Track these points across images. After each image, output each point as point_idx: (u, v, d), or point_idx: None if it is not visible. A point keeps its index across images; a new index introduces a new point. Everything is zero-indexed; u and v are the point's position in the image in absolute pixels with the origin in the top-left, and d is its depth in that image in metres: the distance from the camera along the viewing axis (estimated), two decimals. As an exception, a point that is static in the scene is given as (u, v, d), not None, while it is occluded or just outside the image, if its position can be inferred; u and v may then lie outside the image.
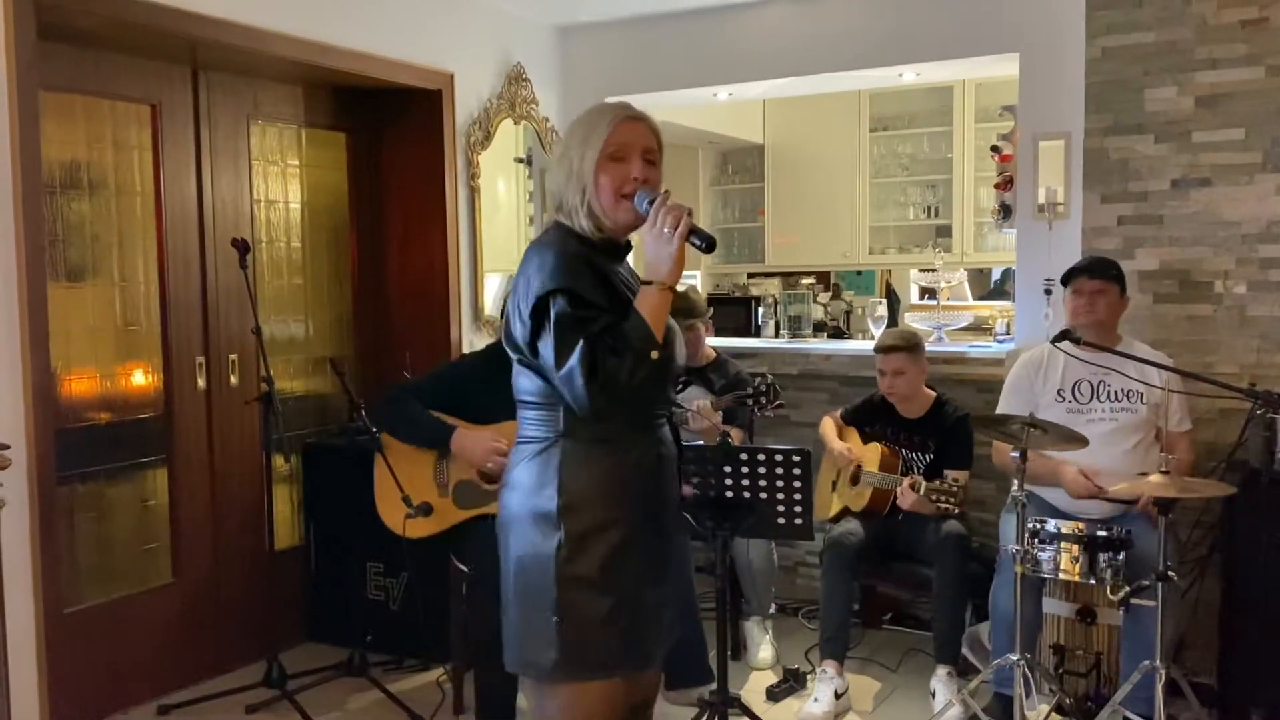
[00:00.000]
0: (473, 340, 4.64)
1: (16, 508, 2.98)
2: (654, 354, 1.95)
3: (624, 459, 2.06)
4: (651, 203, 2.03)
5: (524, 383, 2.09)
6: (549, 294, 1.96)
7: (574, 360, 1.91)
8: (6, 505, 2.71)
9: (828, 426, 4.08)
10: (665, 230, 1.98)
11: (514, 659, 2.11)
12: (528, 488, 2.05)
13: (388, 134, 4.60)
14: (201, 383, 3.94)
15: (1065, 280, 3.52)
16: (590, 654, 2.03)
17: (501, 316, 3.28)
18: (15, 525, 2.99)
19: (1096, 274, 3.43)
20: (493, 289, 4.85)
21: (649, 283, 2.01)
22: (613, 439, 2.05)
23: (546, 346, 1.95)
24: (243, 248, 3.58)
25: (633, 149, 2.07)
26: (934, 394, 3.93)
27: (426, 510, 3.40)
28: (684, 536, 2.25)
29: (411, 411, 3.47)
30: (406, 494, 3.38)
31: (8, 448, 2.76)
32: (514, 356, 2.10)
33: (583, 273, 1.99)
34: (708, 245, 2.01)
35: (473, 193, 4.64)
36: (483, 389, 3.55)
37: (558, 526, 2.01)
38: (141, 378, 3.80)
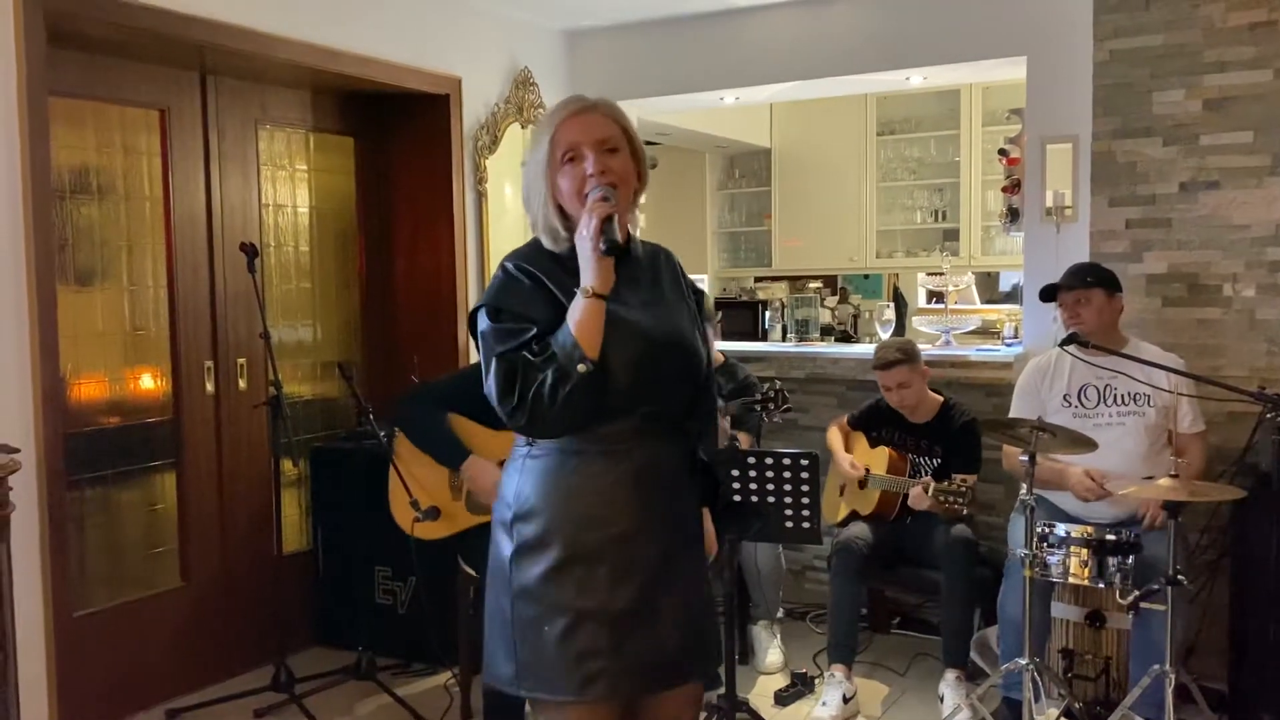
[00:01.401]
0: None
1: (26, 512, 2.99)
2: (580, 367, 1.79)
3: (593, 470, 1.91)
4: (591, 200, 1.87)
5: None
6: (475, 311, 1.93)
7: (490, 378, 1.85)
8: (16, 509, 2.71)
9: (834, 436, 4.08)
10: (583, 232, 1.83)
11: (485, 669, 2.03)
12: (501, 495, 2.00)
13: (395, 139, 4.61)
14: (210, 387, 3.95)
15: (1045, 297, 3.51)
16: (543, 670, 1.90)
17: None
18: (25, 529, 2.99)
19: (1072, 285, 3.41)
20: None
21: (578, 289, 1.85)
22: (585, 451, 1.91)
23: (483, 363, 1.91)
24: (251, 252, 3.59)
25: (584, 145, 1.90)
26: (941, 398, 3.93)
27: (434, 514, 3.40)
28: (693, 550, 2.05)
29: (433, 422, 3.39)
30: (415, 498, 3.38)
31: (17, 451, 2.77)
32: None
33: (519, 287, 1.89)
34: (607, 248, 1.80)
35: (480, 197, 4.65)
36: None
37: (511, 535, 1.94)
38: (150, 382, 3.81)
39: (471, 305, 4.60)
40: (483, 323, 1.90)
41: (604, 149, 1.92)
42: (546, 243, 1.96)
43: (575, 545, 1.90)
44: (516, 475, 1.97)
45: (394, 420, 3.50)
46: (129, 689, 3.65)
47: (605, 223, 1.81)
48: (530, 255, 1.95)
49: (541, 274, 1.91)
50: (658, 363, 1.94)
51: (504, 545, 1.95)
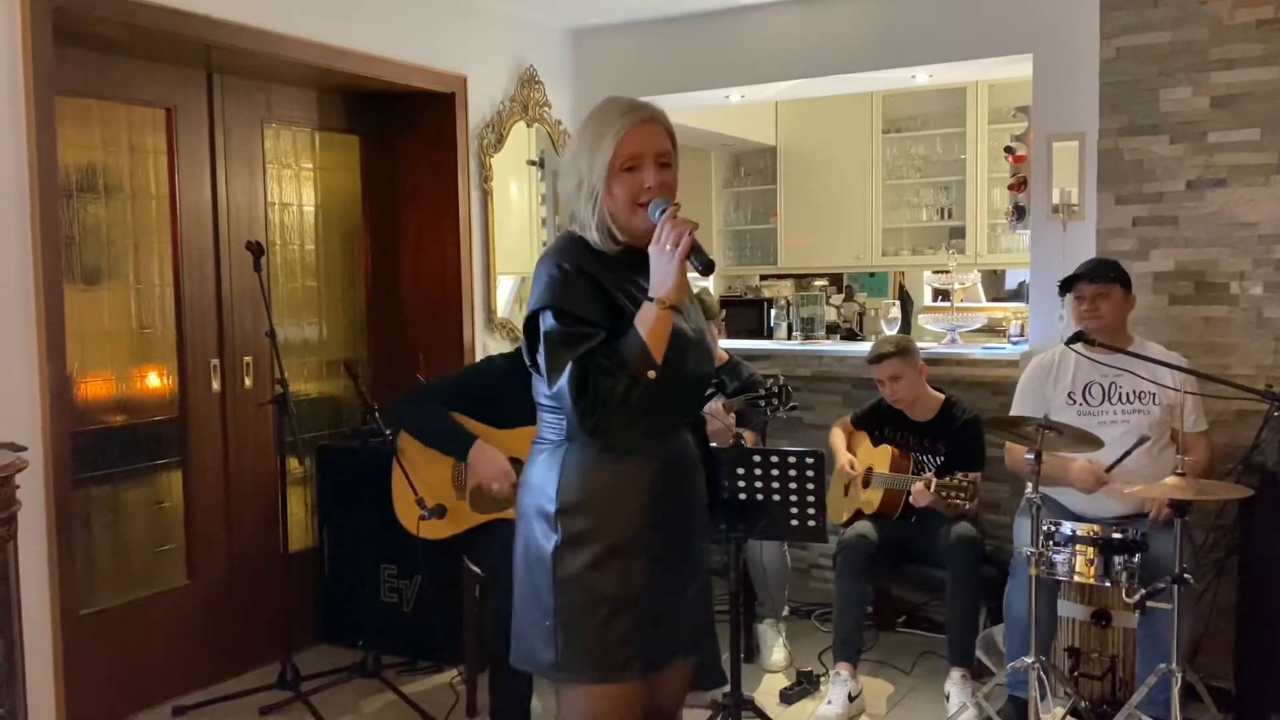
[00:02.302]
0: (485, 342, 4.65)
1: (33, 510, 3.00)
2: (650, 374, 1.90)
3: (631, 466, 2.03)
4: (663, 213, 1.96)
5: (539, 386, 2.09)
6: (538, 311, 1.96)
7: (563, 380, 1.91)
8: (23, 507, 2.72)
9: (836, 436, 4.08)
10: (668, 247, 1.92)
11: (516, 654, 2.13)
12: (535, 487, 2.07)
13: (401, 137, 4.62)
14: (216, 385, 3.96)
15: (1064, 289, 3.50)
16: (585, 656, 2.02)
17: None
18: (32, 527, 3.00)
19: (1096, 278, 3.40)
20: (505, 291, 4.86)
21: (650, 300, 1.94)
22: (621, 446, 2.02)
23: (541, 363, 1.96)
24: (257, 251, 3.60)
25: (645, 156, 1.99)
26: (943, 396, 3.92)
27: (440, 512, 3.40)
28: (705, 535, 2.20)
29: (434, 414, 3.45)
30: (420, 496, 3.39)
31: (24, 450, 2.78)
32: (528, 362, 2.11)
33: (579, 288, 1.95)
34: (705, 268, 1.93)
35: (485, 195, 4.65)
36: (510, 393, 3.56)
37: (555, 528, 2.01)
38: (156, 380, 3.82)
39: (480, 301, 4.64)
40: (547, 322, 1.95)
41: (660, 162, 2.00)
42: (598, 241, 2.02)
43: (618, 537, 2.01)
44: (556, 469, 2.04)
45: (393, 418, 3.51)
46: (136, 686, 3.66)
47: (696, 241, 1.92)
48: (580, 255, 2.01)
49: (597, 275, 1.98)
50: (696, 363, 2.09)
51: (546, 537, 2.03)
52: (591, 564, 2.00)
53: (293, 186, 4.28)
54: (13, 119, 3.03)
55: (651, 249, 1.95)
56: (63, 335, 3.18)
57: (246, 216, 4.06)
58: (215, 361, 3.95)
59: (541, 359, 1.96)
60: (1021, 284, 6.80)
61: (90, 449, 3.56)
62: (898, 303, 5.59)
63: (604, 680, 2.02)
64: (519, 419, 3.48)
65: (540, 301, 1.96)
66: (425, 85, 4.35)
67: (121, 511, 3.72)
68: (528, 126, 4.89)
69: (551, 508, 2.01)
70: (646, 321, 1.93)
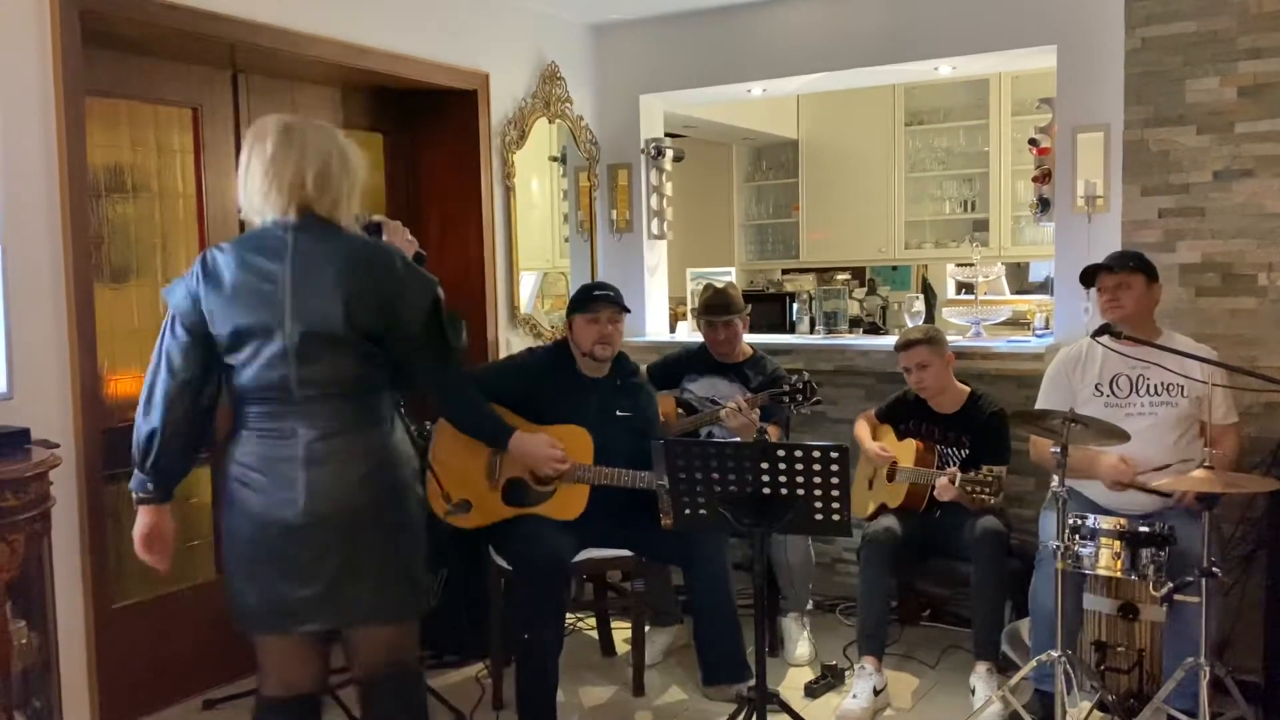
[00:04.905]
0: (509, 338, 4.67)
1: (66, 506, 3.05)
2: None
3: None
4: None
5: None
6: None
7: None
8: (56, 503, 2.76)
9: (861, 428, 4.07)
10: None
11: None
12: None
13: (424, 134, 4.64)
14: (243, 382, 3.99)
15: (1086, 281, 3.48)
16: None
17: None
18: (65, 523, 3.05)
19: (1116, 268, 3.38)
20: (528, 287, 4.87)
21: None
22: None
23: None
24: (282, 248, 3.62)
25: None
26: (968, 389, 3.91)
27: (465, 508, 3.42)
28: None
29: (478, 403, 3.47)
30: (446, 491, 3.41)
31: (57, 446, 2.83)
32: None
33: None
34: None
35: (508, 192, 4.67)
36: (550, 386, 3.58)
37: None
38: (185, 377, 3.85)
39: (504, 297, 4.66)
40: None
41: None
42: None
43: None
44: None
45: (441, 405, 3.51)
46: (167, 679, 3.70)
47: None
48: None
49: None
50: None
51: None
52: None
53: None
54: (44, 121, 3.07)
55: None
56: (94, 333, 3.22)
57: (272, 214, 4.08)
58: (242, 358, 3.98)
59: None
60: (1048, 279, 6.76)
61: (120, 445, 3.58)
62: (921, 296, 5.56)
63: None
64: (559, 414, 3.50)
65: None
66: (448, 83, 4.38)
67: (151, 507, 3.76)
68: (549, 123, 4.90)
69: None
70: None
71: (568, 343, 3.72)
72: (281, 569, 2.27)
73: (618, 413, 3.64)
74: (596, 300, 3.62)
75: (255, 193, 2.28)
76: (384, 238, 2.51)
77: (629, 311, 3.72)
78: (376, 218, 2.52)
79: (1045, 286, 6.72)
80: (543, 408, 3.54)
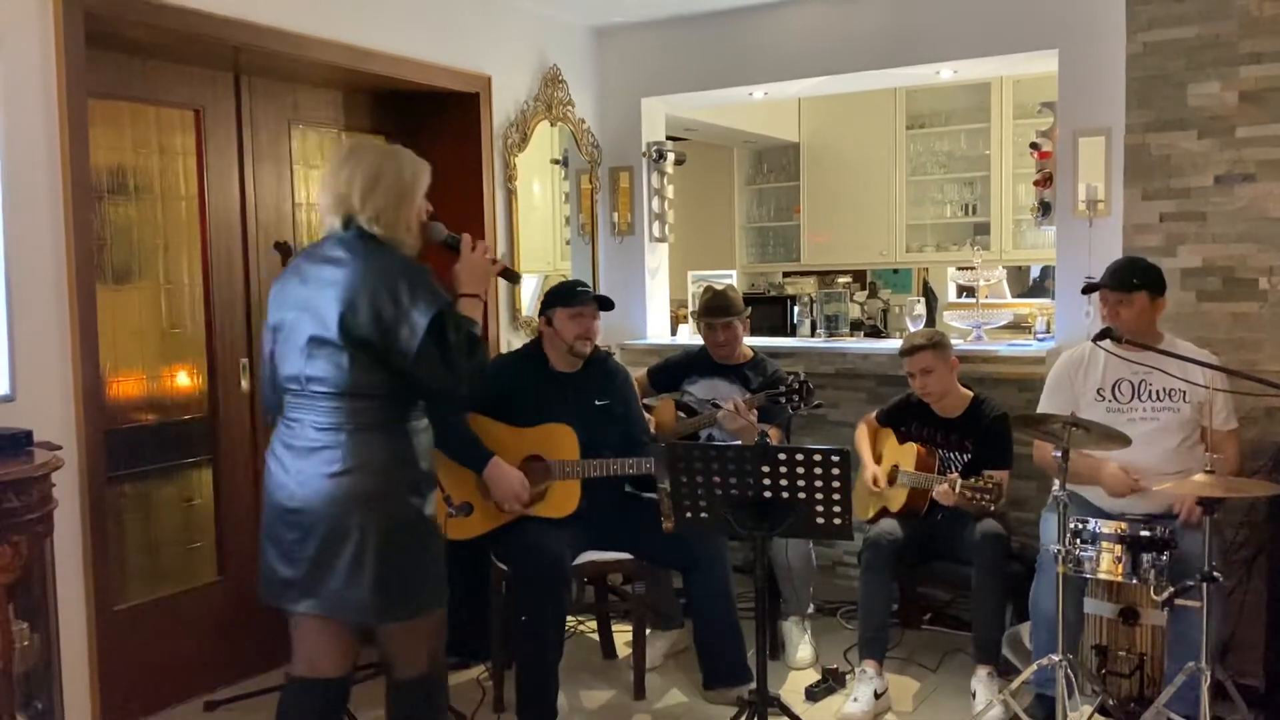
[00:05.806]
0: (510, 340, 4.67)
1: (68, 507, 3.05)
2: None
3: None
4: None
5: None
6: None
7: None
8: (59, 505, 2.76)
9: (862, 436, 4.07)
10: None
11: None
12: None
13: (426, 137, 4.63)
14: (245, 384, 4.00)
15: (1087, 292, 3.48)
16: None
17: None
18: (67, 524, 3.05)
19: (1116, 288, 3.35)
20: (529, 290, 4.88)
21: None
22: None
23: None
24: (285, 251, 3.62)
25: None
26: (971, 393, 3.91)
27: (467, 510, 3.42)
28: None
29: (455, 425, 3.45)
30: (448, 494, 3.41)
31: (59, 448, 2.83)
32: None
33: None
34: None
35: (510, 194, 4.68)
36: (528, 389, 3.58)
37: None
38: (186, 379, 3.86)
39: (505, 300, 4.67)
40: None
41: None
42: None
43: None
44: None
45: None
46: (168, 681, 3.71)
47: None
48: None
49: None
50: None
51: None
52: None
53: (320, 187, 4.31)
54: (47, 123, 3.07)
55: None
56: (96, 335, 3.23)
57: (274, 216, 4.09)
58: (244, 361, 3.99)
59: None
60: (1046, 278, 6.76)
61: (122, 447, 3.60)
62: (922, 299, 5.57)
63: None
64: (538, 414, 3.50)
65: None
66: (450, 85, 4.38)
67: (153, 509, 3.76)
68: (551, 125, 4.91)
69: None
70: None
71: (538, 342, 3.73)
72: (278, 548, 2.50)
73: (596, 402, 3.67)
74: (580, 295, 3.64)
75: (320, 204, 2.59)
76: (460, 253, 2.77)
77: (610, 310, 3.75)
78: (454, 235, 2.77)
79: (1039, 287, 6.73)
80: (521, 409, 3.55)
